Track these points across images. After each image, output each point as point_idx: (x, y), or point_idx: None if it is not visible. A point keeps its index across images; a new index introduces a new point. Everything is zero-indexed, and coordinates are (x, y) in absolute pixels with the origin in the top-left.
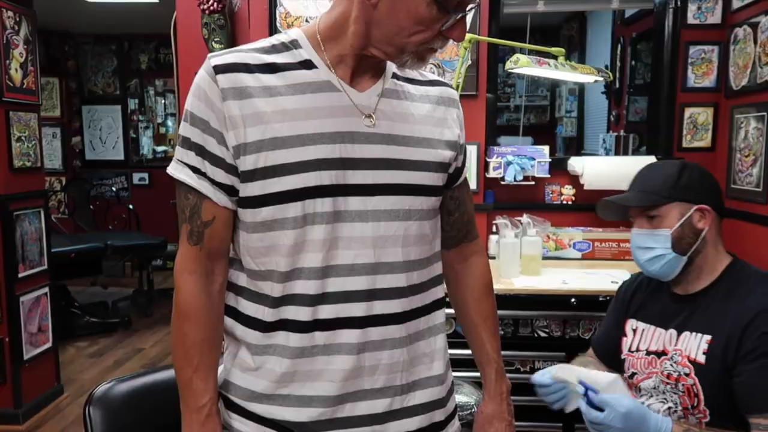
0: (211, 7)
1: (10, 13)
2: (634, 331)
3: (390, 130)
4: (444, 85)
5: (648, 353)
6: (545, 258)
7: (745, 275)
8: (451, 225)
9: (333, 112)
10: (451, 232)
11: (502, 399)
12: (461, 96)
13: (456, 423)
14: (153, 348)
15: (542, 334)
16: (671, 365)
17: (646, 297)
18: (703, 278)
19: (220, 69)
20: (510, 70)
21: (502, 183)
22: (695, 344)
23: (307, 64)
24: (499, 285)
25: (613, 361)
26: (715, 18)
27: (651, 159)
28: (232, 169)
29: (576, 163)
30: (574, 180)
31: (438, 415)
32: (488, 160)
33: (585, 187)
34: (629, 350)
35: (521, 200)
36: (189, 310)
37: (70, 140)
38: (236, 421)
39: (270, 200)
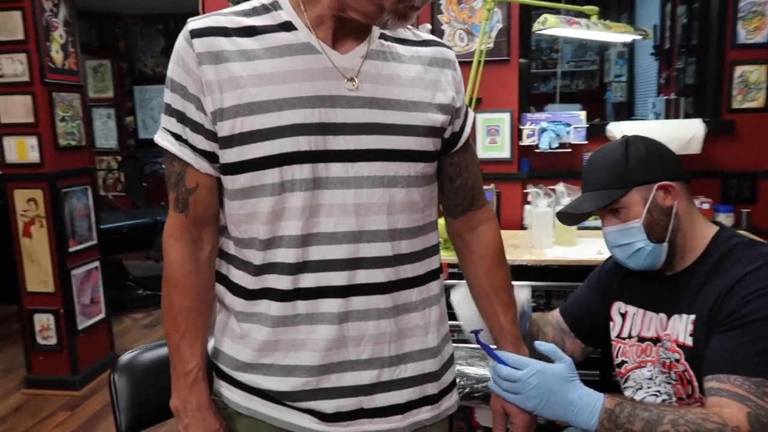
0: None
1: None
2: (623, 315)
3: (374, 94)
4: (439, 45)
5: (641, 340)
6: (582, 228)
7: (731, 246)
8: (455, 192)
9: (312, 76)
10: (455, 199)
11: None
12: (491, 62)
13: (453, 397)
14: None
15: None
16: (663, 352)
17: (634, 277)
18: (687, 255)
19: (195, 33)
20: (538, 32)
21: (537, 151)
22: (682, 327)
23: (287, 26)
24: (531, 256)
25: (586, 334)
26: None
27: (697, 123)
28: (211, 135)
29: (615, 129)
30: None
31: (430, 389)
32: (521, 127)
33: None
34: (618, 336)
35: (557, 168)
36: (175, 277)
37: (124, 120)
38: (224, 388)
39: (247, 167)
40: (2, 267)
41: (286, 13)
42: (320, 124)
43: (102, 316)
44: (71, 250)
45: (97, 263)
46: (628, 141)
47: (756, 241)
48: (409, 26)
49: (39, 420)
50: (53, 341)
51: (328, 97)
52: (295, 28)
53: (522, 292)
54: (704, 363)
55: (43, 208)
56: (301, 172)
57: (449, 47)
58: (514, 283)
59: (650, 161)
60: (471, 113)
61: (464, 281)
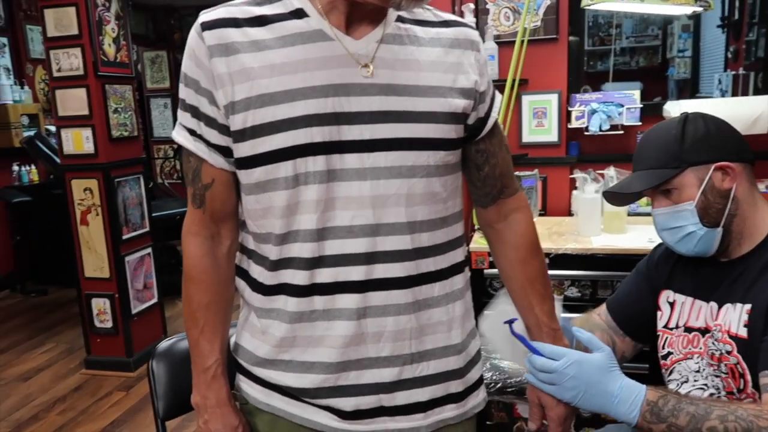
0: None
1: None
2: (671, 304)
3: (390, 80)
4: (461, 26)
5: (688, 330)
6: (633, 214)
7: None
8: (483, 181)
9: (325, 64)
10: (484, 188)
11: None
12: (539, 40)
13: (481, 395)
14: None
15: None
16: (713, 343)
17: (685, 264)
18: (745, 242)
19: (206, 26)
20: (587, 8)
21: (586, 134)
22: (736, 316)
23: (299, 13)
24: (576, 244)
25: (635, 330)
26: None
27: (764, 100)
28: (225, 130)
29: (672, 108)
30: None
31: (455, 386)
32: (570, 109)
33: None
34: (665, 326)
35: (609, 151)
36: (193, 273)
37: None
38: (244, 383)
39: (260, 160)
40: (63, 253)
41: (298, 0)
42: (334, 113)
43: (155, 300)
44: (125, 237)
45: (149, 250)
46: (687, 118)
47: None
48: (428, 6)
49: (97, 399)
50: (109, 324)
51: (342, 86)
52: (307, 15)
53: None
54: (760, 356)
55: (98, 197)
56: (315, 164)
57: (473, 27)
58: (555, 273)
59: (709, 140)
60: (499, 97)
61: (491, 309)
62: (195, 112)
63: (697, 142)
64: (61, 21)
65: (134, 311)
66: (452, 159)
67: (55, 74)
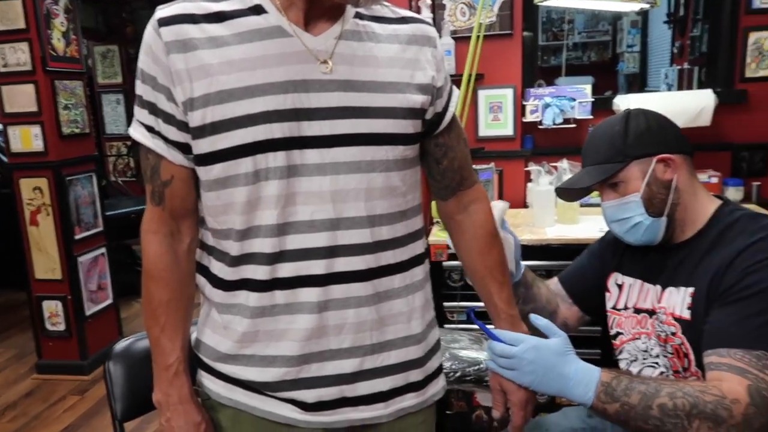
0: None
1: None
2: (620, 286)
3: (349, 76)
4: (419, 22)
5: (637, 311)
6: (586, 205)
7: (733, 219)
8: (442, 174)
9: (284, 60)
10: (444, 181)
11: None
12: (494, 36)
13: (440, 383)
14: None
15: None
16: (658, 325)
17: (633, 250)
18: (688, 228)
19: (163, 21)
20: (540, 4)
21: (541, 127)
22: (679, 299)
23: (257, 9)
24: (531, 235)
25: (585, 303)
26: None
27: (707, 94)
28: (183, 126)
29: (621, 102)
30: None
31: (414, 375)
32: (525, 103)
33: None
34: (614, 308)
35: (562, 144)
36: (153, 271)
37: (133, 105)
38: (206, 379)
39: (220, 156)
40: (12, 255)
41: None
42: (294, 109)
43: (109, 301)
44: (77, 237)
45: (103, 250)
46: (629, 114)
47: (759, 213)
48: (386, 3)
49: (50, 404)
50: (62, 327)
51: (301, 82)
52: (266, 11)
53: (496, 208)
54: (704, 337)
55: (48, 196)
56: (275, 159)
57: (430, 24)
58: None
59: (650, 134)
60: (456, 91)
61: None
62: (152, 109)
63: (639, 136)
64: (6, 14)
65: (88, 313)
66: (411, 153)
67: (1, 69)
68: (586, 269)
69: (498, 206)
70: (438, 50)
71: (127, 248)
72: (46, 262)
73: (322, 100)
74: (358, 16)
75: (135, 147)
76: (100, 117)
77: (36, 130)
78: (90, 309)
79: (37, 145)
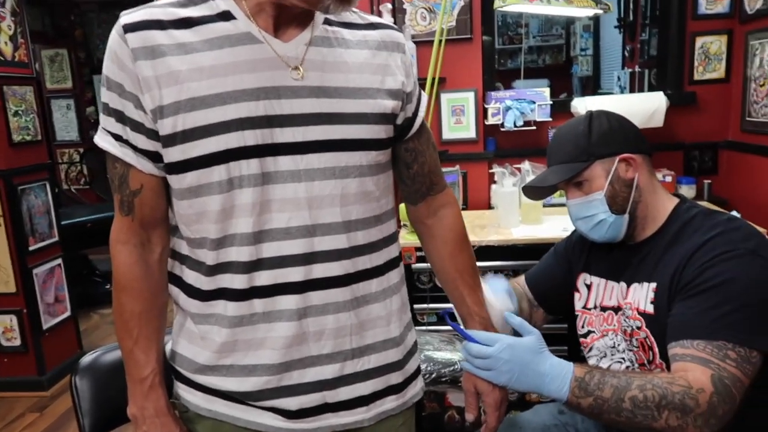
0: None
1: None
2: (588, 286)
3: (320, 82)
4: (387, 28)
5: (603, 309)
6: (549, 205)
7: (690, 216)
8: (412, 179)
9: (255, 66)
10: (414, 185)
11: None
12: (454, 40)
13: (418, 384)
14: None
15: None
16: (624, 320)
17: (598, 248)
18: (648, 226)
19: (129, 27)
20: (498, 9)
21: (502, 130)
22: (643, 294)
23: (226, 16)
24: (498, 236)
25: (550, 304)
26: None
27: (659, 96)
28: (152, 134)
29: (579, 104)
30: None
31: (395, 378)
32: (486, 106)
33: None
34: (584, 307)
35: (523, 146)
36: (124, 282)
37: (84, 111)
38: (184, 391)
39: (193, 165)
40: None
41: (224, 2)
42: (266, 116)
43: (67, 314)
44: (31, 248)
45: (59, 260)
46: (591, 116)
47: (714, 210)
48: (355, 9)
49: (6, 423)
50: (17, 342)
51: (273, 88)
52: (234, 18)
53: (499, 283)
54: (667, 330)
55: None
56: (248, 167)
57: (398, 30)
58: (481, 264)
59: (612, 135)
60: (424, 96)
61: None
62: (120, 117)
63: (602, 136)
64: None
65: (45, 326)
66: (383, 158)
67: None
68: (553, 269)
69: (496, 306)
70: (406, 56)
71: (84, 258)
72: None
73: (294, 106)
74: (327, 22)
75: (88, 154)
76: (49, 123)
77: None
78: (47, 322)
79: None
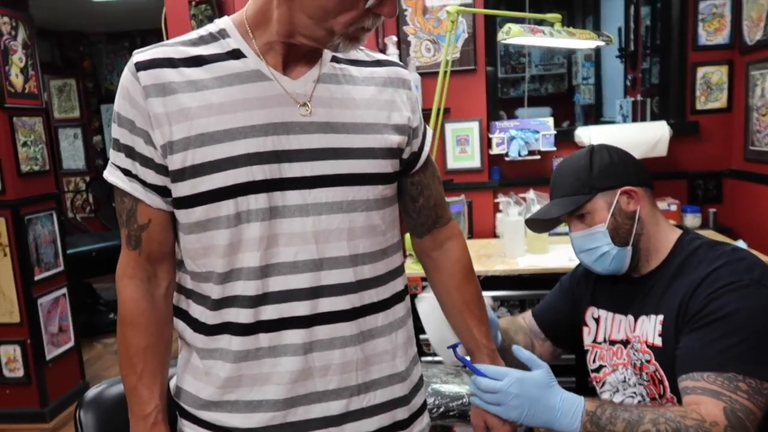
0: None
1: (6, 19)
2: (597, 320)
3: (328, 118)
4: (393, 65)
5: (612, 343)
6: (555, 234)
7: (694, 248)
8: (418, 212)
9: (264, 103)
10: (419, 219)
11: None
12: (458, 71)
13: (425, 420)
14: (177, 342)
15: None
16: (633, 354)
17: (603, 281)
18: (652, 258)
19: (141, 66)
20: (502, 42)
21: (507, 159)
22: (651, 327)
23: (236, 54)
24: (504, 266)
25: (558, 337)
26: None
27: (662, 125)
28: (162, 169)
29: (583, 134)
30: None
31: (401, 413)
32: (491, 136)
33: None
34: (594, 341)
35: (528, 176)
36: (130, 316)
37: (91, 140)
38: (188, 428)
39: (201, 199)
40: None
41: (235, 41)
42: (274, 152)
43: (71, 344)
44: (37, 278)
45: (64, 290)
46: (593, 149)
47: (717, 242)
48: (361, 47)
49: None
50: (20, 373)
51: (282, 124)
52: (244, 56)
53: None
54: (677, 363)
55: (6, 236)
56: (256, 202)
57: (403, 66)
58: (486, 294)
59: (613, 168)
60: (430, 131)
61: (430, 292)
62: (129, 152)
63: (603, 170)
64: None
65: (49, 357)
66: (389, 192)
67: None
68: (559, 304)
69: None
70: (412, 92)
71: (89, 287)
72: (2, 305)
73: (302, 141)
74: (335, 59)
75: (94, 182)
76: (57, 152)
77: None
78: (51, 353)
79: None
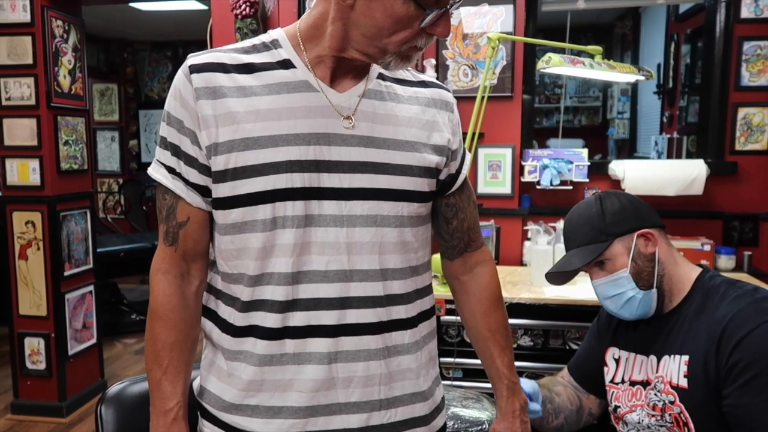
0: (243, 12)
1: (60, 23)
2: (617, 360)
3: (370, 132)
4: (438, 87)
5: (632, 384)
6: None
7: (714, 285)
8: (451, 234)
9: (309, 113)
10: (452, 241)
11: (514, 417)
12: (495, 97)
13: None
14: (201, 343)
15: (574, 347)
16: (655, 394)
17: (626, 323)
18: (674, 297)
19: (195, 68)
20: (542, 70)
21: (538, 187)
22: (675, 368)
23: (286, 64)
24: (529, 294)
25: (595, 387)
26: None
27: (699, 164)
28: (205, 170)
29: (617, 167)
30: (616, 185)
31: None
32: (523, 163)
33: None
34: (612, 381)
35: (558, 205)
36: (161, 311)
37: (128, 143)
38: (208, 429)
39: (239, 202)
40: None
41: (286, 52)
42: (315, 161)
43: (93, 341)
44: (66, 273)
45: (91, 288)
46: (601, 197)
47: (737, 280)
48: (409, 68)
49: None
50: (42, 366)
51: (324, 135)
52: (294, 66)
53: (524, 385)
54: (732, 421)
55: (40, 230)
56: (293, 208)
57: (448, 90)
58: (511, 322)
59: (626, 213)
60: (468, 155)
61: None
62: (176, 151)
63: (615, 215)
64: (15, 50)
65: (71, 352)
66: (424, 211)
67: (4, 103)
68: (588, 353)
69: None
70: (455, 115)
71: (114, 286)
72: (31, 298)
73: (342, 153)
74: (381, 77)
75: (127, 185)
76: (93, 153)
77: (34, 164)
78: (73, 348)
79: (34, 179)
